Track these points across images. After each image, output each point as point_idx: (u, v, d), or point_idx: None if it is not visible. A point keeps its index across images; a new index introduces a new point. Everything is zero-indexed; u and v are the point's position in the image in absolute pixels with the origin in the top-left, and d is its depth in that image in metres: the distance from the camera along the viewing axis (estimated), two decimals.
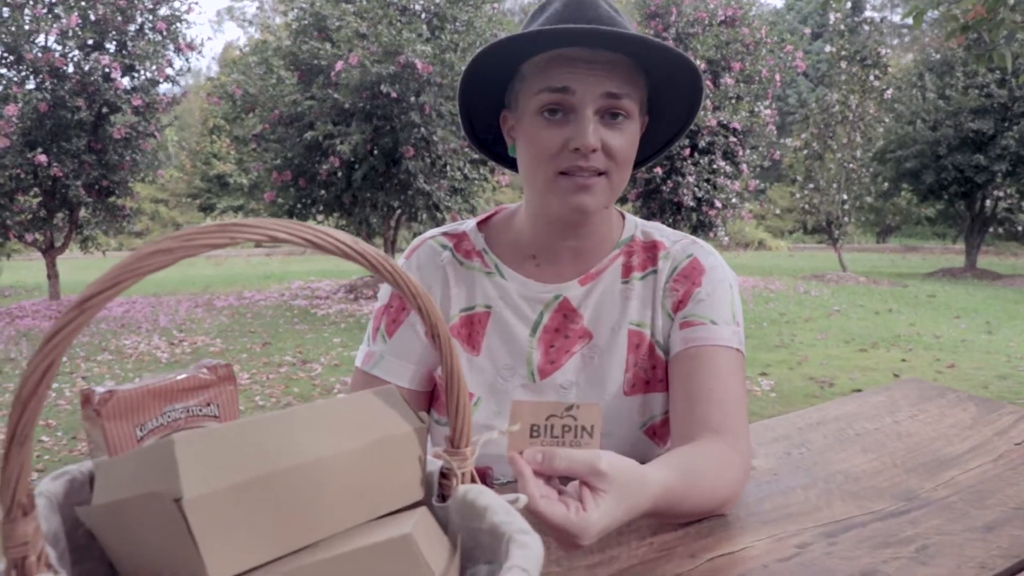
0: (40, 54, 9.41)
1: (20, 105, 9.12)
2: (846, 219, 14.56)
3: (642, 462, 1.08)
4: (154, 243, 0.53)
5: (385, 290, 1.26)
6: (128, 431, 0.66)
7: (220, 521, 0.54)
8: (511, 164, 1.24)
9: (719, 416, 1.08)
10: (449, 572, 0.58)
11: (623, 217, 1.28)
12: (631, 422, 1.20)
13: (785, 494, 1.11)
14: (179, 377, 0.68)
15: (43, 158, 9.25)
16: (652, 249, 1.23)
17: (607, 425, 1.18)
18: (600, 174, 1.09)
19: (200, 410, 0.70)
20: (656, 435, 1.22)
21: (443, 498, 0.69)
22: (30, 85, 9.61)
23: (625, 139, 1.09)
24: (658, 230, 1.26)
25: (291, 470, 0.57)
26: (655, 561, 0.92)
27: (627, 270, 1.22)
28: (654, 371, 1.20)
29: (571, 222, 1.15)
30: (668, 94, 1.15)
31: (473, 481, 0.69)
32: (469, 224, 1.28)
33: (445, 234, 1.26)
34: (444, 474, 0.70)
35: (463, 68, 1.17)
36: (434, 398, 1.28)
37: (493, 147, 1.28)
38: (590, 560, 0.91)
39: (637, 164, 1.28)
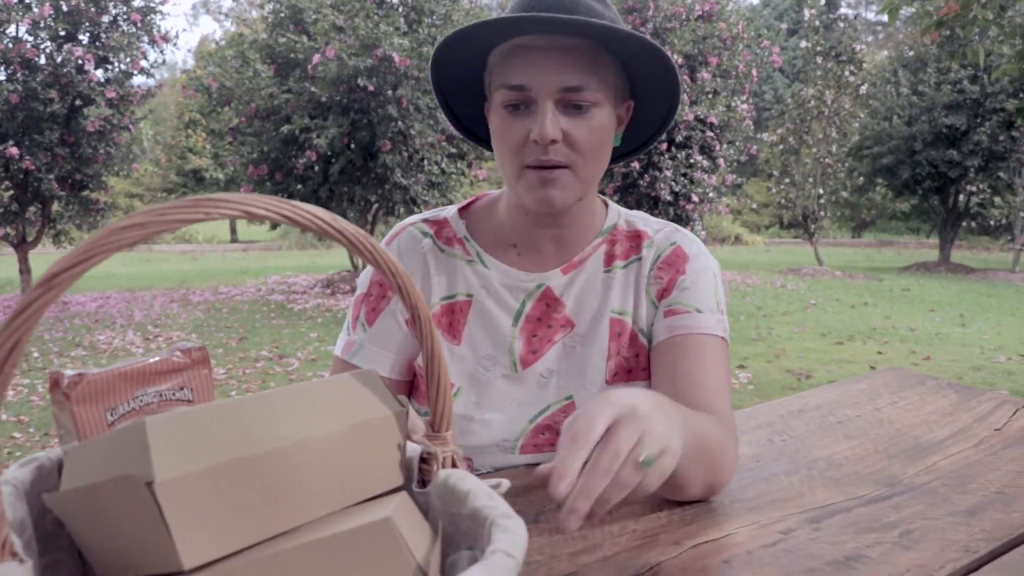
0: (11, 45, 9.25)
1: None
2: (822, 214, 14.66)
3: None
4: (127, 217, 0.51)
5: (364, 278, 1.24)
6: (99, 416, 0.64)
7: (194, 506, 0.52)
8: None
9: (706, 400, 1.08)
10: (430, 557, 0.57)
11: (606, 206, 1.26)
12: None
13: (768, 480, 1.11)
14: (152, 360, 0.66)
15: (15, 151, 9.10)
16: (635, 238, 1.22)
17: None
18: (564, 167, 1.07)
19: (173, 394, 0.68)
20: None
21: (423, 483, 0.68)
22: (0, 76, 9.46)
23: (590, 129, 1.06)
24: (641, 219, 1.25)
25: (268, 453, 0.55)
26: (638, 548, 0.91)
27: (609, 259, 1.21)
28: (637, 359, 1.19)
29: (543, 214, 1.14)
30: (645, 78, 1.13)
31: (454, 466, 0.68)
32: (450, 210, 1.26)
33: (426, 220, 1.25)
34: (424, 459, 0.68)
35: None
36: (414, 388, 1.26)
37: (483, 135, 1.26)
38: (572, 548, 0.90)
39: (632, 152, 1.27)
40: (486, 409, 1.18)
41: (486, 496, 0.61)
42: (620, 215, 1.25)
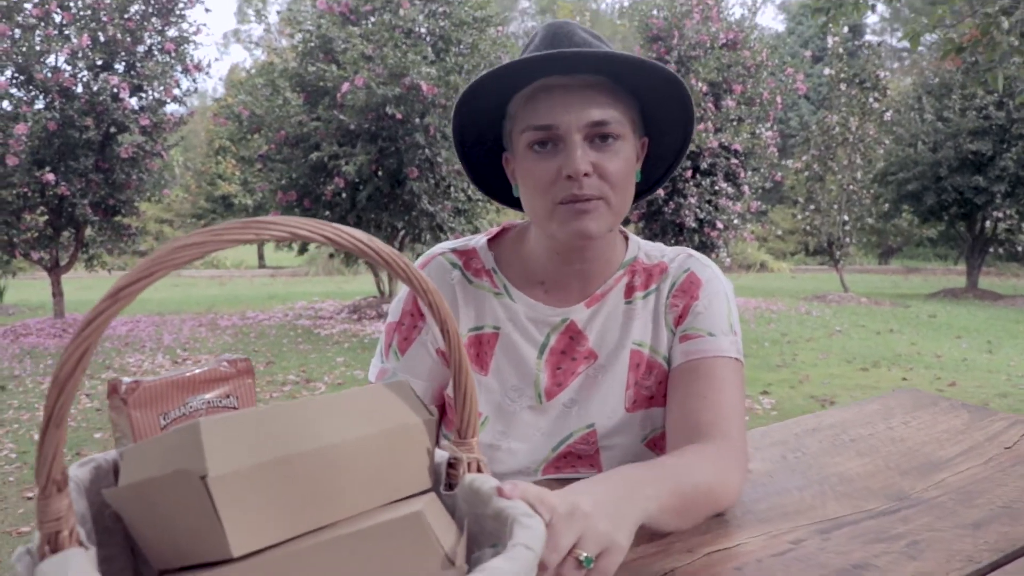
0: (50, 74, 9.50)
1: (30, 124, 9.21)
2: (847, 240, 14.59)
3: None
4: (185, 237, 0.57)
5: (396, 307, 1.29)
6: (153, 420, 0.70)
7: (242, 499, 0.57)
8: (517, 204, 1.26)
9: (714, 421, 1.12)
10: (457, 551, 0.61)
11: (626, 239, 1.31)
12: (633, 436, 1.23)
13: (780, 495, 1.15)
14: (200, 370, 0.72)
15: (51, 176, 9.32)
16: (654, 269, 1.27)
17: (610, 439, 1.22)
18: (597, 198, 1.11)
19: (220, 402, 0.74)
20: (657, 447, 1.26)
21: (451, 486, 0.73)
22: (39, 105, 9.69)
23: (618, 161, 1.10)
24: (659, 250, 1.30)
25: (309, 453, 0.61)
26: (653, 556, 0.95)
27: (630, 290, 1.26)
28: (658, 387, 1.24)
29: (576, 247, 1.18)
30: (660, 110, 1.18)
31: (479, 470, 0.73)
32: (479, 240, 1.30)
33: (455, 251, 1.29)
34: (451, 464, 0.73)
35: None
36: (442, 416, 1.31)
37: (499, 191, 1.30)
38: None
39: (651, 187, 1.31)
40: (512, 439, 1.23)
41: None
42: (640, 247, 1.30)
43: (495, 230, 1.32)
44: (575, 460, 1.23)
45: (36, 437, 4.94)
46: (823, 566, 0.92)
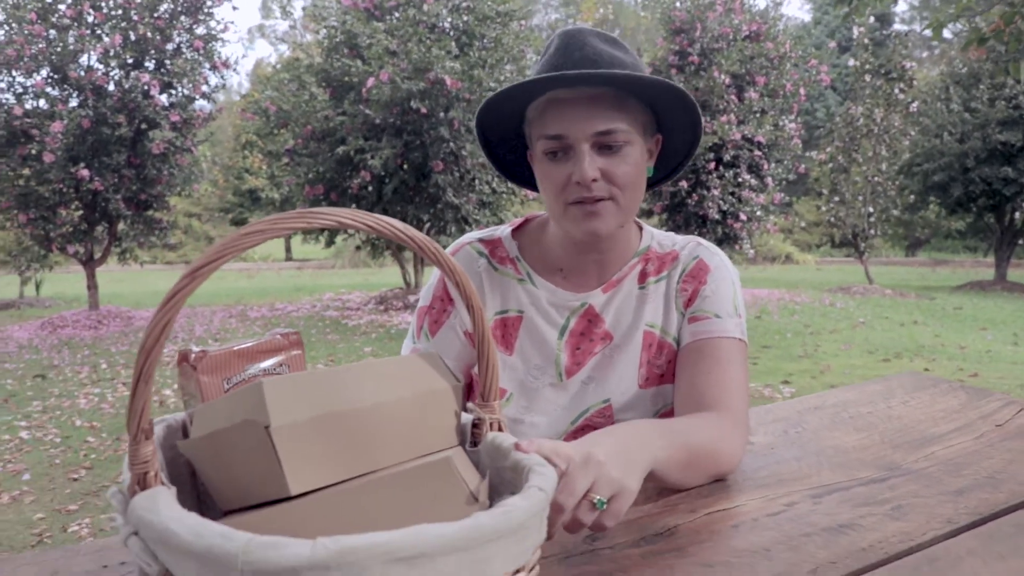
0: (84, 73, 9.73)
1: (65, 122, 9.43)
2: (872, 232, 14.54)
3: None
4: (248, 226, 0.68)
5: (427, 292, 1.40)
6: (217, 383, 0.81)
7: (298, 446, 0.68)
8: None
9: (719, 395, 1.22)
10: (480, 492, 0.72)
11: (640, 229, 1.41)
12: (646, 410, 1.34)
13: (779, 464, 1.24)
14: (257, 341, 0.83)
15: (85, 172, 9.54)
16: (666, 256, 1.37)
17: (625, 414, 1.33)
18: (606, 200, 1.21)
19: (274, 369, 0.85)
20: None
21: (475, 444, 0.84)
22: (74, 103, 9.93)
23: (626, 165, 1.20)
24: (670, 239, 1.40)
25: (355, 410, 0.72)
26: (659, 515, 1.05)
27: (643, 276, 1.36)
28: (668, 365, 1.34)
29: (587, 243, 1.29)
30: (669, 111, 1.27)
31: (500, 429, 0.83)
32: (504, 231, 1.41)
33: (481, 240, 1.40)
34: (476, 424, 0.84)
35: (491, 87, 1.32)
36: (469, 393, 1.42)
37: (528, 179, 1.41)
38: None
39: (667, 176, 1.42)
40: (534, 413, 1.34)
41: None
42: (653, 237, 1.41)
43: (518, 221, 1.43)
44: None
45: (77, 423, 5.12)
46: (812, 525, 1.02)
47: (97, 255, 10.93)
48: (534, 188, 1.37)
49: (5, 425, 5.12)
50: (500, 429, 0.83)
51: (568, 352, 1.34)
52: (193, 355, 0.80)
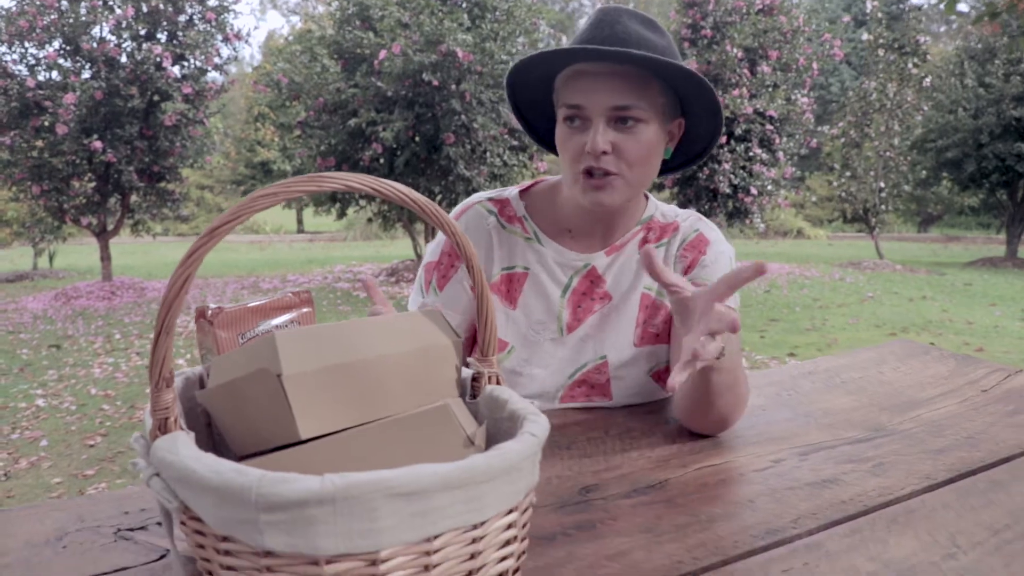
0: (96, 44, 9.76)
1: (77, 94, 9.48)
2: (883, 207, 14.49)
3: (649, 403, 1.31)
4: (263, 189, 0.73)
5: (434, 248, 1.46)
6: (233, 338, 0.86)
7: (308, 394, 0.74)
8: None
9: None
10: (477, 437, 0.77)
11: (646, 198, 1.48)
12: (640, 368, 1.40)
13: (769, 424, 1.30)
14: (272, 299, 0.89)
15: (98, 144, 9.60)
16: (668, 226, 1.44)
17: (620, 370, 1.38)
18: (614, 174, 1.26)
19: (286, 325, 0.90)
20: (660, 379, 1.42)
21: (474, 396, 0.89)
22: (86, 74, 9.98)
23: (638, 143, 1.25)
24: (672, 211, 1.47)
25: (362, 362, 0.77)
26: (651, 469, 1.10)
27: (644, 243, 1.43)
28: (663, 326, 1.41)
29: (596, 212, 1.35)
30: (691, 96, 1.31)
31: (497, 383, 0.88)
32: (512, 191, 1.48)
33: (491, 199, 1.46)
34: (475, 378, 0.89)
35: (503, 59, 1.39)
36: (474, 345, 1.48)
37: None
38: (596, 467, 1.11)
39: (690, 160, 1.46)
40: (534, 366, 1.40)
41: (520, 402, 0.82)
42: (657, 207, 1.47)
43: (526, 183, 1.50)
44: (588, 389, 1.39)
45: (92, 392, 5.21)
46: (797, 480, 1.07)
47: (110, 227, 11.02)
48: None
49: (22, 393, 5.22)
50: (498, 383, 0.89)
51: (570, 309, 1.40)
52: (210, 311, 0.85)
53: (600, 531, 0.91)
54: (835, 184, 14.83)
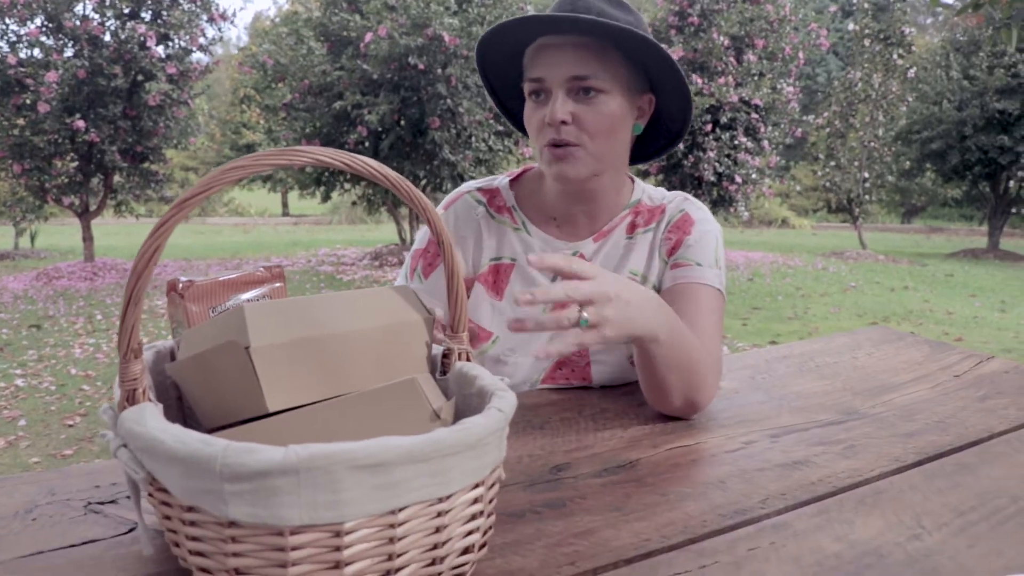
0: (79, 23, 9.65)
1: (60, 72, 9.38)
2: (867, 198, 14.56)
3: (625, 384, 1.31)
4: (233, 161, 0.72)
5: (423, 235, 1.46)
6: (203, 312, 0.86)
7: (277, 367, 0.74)
8: None
9: (697, 336, 1.27)
10: (443, 411, 0.77)
11: (633, 182, 1.47)
12: (620, 353, 1.40)
13: (742, 407, 1.30)
14: (242, 273, 0.88)
15: (81, 124, 9.51)
16: (656, 210, 1.43)
17: (601, 355, 1.39)
18: (575, 145, 1.26)
19: (258, 300, 0.90)
20: None
21: (444, 373, 0.89)
22: (69, 53, 9.87)
23: (598, 114, 1.25)
24: (660, 193, 1.47)
25: (331, 336, 0.77)
26: (623, 449, 1.11)
27: (632, 228, 1.42)
28: None
29: (567, 189, 1.35)
30: (659, 71, 1.31)
31: (467, 359, 0.89)
32: (502, 180, 1.48)
33: (480, 189, 1.46)
34: (446, 354, 0.89)
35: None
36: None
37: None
38: (568, 447, 1.11)
39: (671, 141, 1.45)
40: (519, 354, 1.40)
41: (489, 378, 0.82)
42: (645, 191, 1.47)
43: (516, 171, 1.50)
44: (568, 372, 1.39)
45: (72, 372, 5.19)
46: (767, 461, 1.08)
47: (92, 207, 10.94)
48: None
49: (1, 373, 5.19)
50: (468, 359, 0.89)
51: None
52: (181, 284, 0.85)
53: (569, 509, 0.92)
54: (819, 174, 14.89)
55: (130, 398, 0.73)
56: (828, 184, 14.70)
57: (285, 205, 32.83)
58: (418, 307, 0.87)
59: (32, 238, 14.82)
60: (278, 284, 0.91)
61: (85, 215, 10.78)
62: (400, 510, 0.65)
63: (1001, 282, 11.12)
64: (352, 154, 0.76)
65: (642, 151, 1.46)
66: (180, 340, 0.84)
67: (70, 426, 4.06)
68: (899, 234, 24.62)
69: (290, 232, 20.77)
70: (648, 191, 1.46)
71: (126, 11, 10.10)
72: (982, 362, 1.59)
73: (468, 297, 1.43)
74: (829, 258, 13.86)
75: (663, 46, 1.26)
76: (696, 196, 11.44)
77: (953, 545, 0.85)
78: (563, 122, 1.24)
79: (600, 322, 0.99)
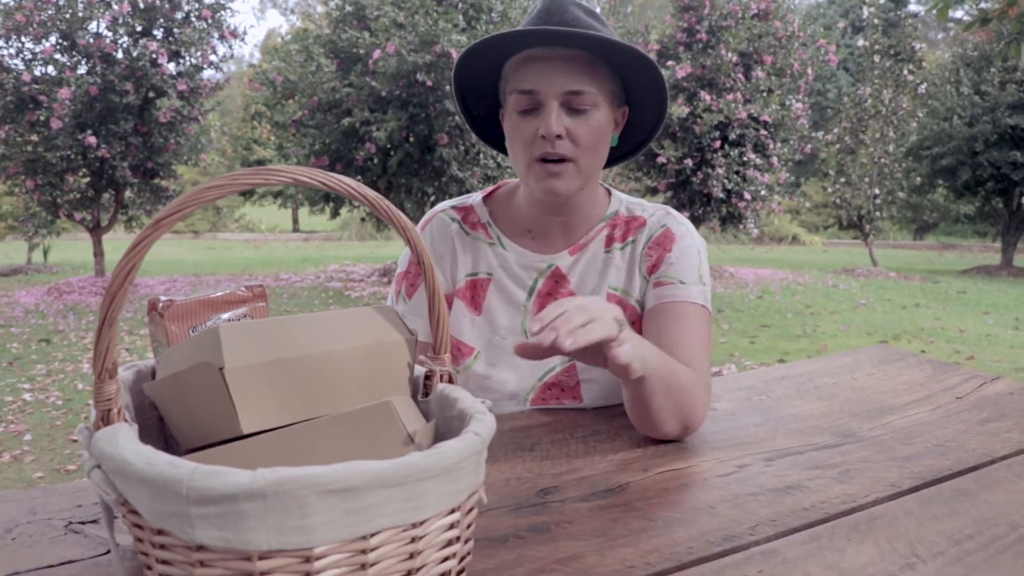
0: (92, 40, 9.74)
1: (73, 89, 9.46)
2: (878, 214, 14.50)
3: (619, 405, 1.29)
4: (208, 181, 0.71)
5: (404, 258, 1.46)
6: (184, 331, 0.85)
7: (252, 389, 0.73)
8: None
9: (684, 358, 1.26)
10: (420, 434, 0.75)
11: (609, 194, 1.45)
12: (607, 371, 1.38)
13: (737, 429, 1.29)
14: (223, 292, 0.87)
15: (92, 140, 9.58)
16: (633, 222, 1.42)
17: (589, 372, 1.37)
18: (568, 160, 1.26)
19: (239, 320, 0.89)
20: None
21: (426, 394, 0.88)
22: (82, 70, 9.96)
23: (590, 128, 1.25)
24: (640, 205, 1.45)
25: (307, 357, 0.76)
26: (613, 473, 1.09)
27: (609, 241, 1.41)
28: (631, 327, 1.38)
29: (550, 203, 1.34)
30: (638, 84, 1.31)
31: (450, 381, 0.87)
32: (476, 198, 1.47)
33: (454, 207, 1.46)
34: (427, 376, 0.88)
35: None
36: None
37: (498, 141, 1.46)
38: (557, 470, 1.10)
39: (632, 151, 1.46)
40: (502, 370, 1.38)
41: (470, 401, 0.81)
42: (622, 202, 1.45)
43: (490, 188, 1.48)
44: (559, 392, 1.38)
45: (80, 387, 5.20)
46: (760, 486, 1.06)
47: (104, 222, 11.00)
48: (502, 148, 1.41)
49: (9, 387, 5.20)
50: (451, 381, 0.87)
51: (535, 311, 1.39)
52: (161, 304, 0.84)
53: (554, 534, 0.90)
54: (830, 190, 14.84)
55: (105, 418, 0.72)
56: (838, 201, 14.64)
57: (296, 221, 32.96)
58: (399, 327, 0.86)
59: (45, 253, 14.91)
60: (260, 304, 0.90)
61: (96, 230, 10.84)
62: (372, 535, 0.63)
63: (1015, 299, 11.03)
64: (330, 173, 0.75)
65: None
66: (159, 360, 0.83)
67: (75, 441, 4.06)
68: (911, 251, 24.50)
69: (300, 248, 20.83)
70: (625, 202, 1.45)
71: (139, 29, 10.19)
72: (986, 383, 1.56)
73: (449, 312, 1.42)
74: (839, 275, 13.79)
75: (652, 58, 1.26)
76: (705, 213, 11.43)
77: (948, 575, 0.83)
78: (558, 136, 1.23)
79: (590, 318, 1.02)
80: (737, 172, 11.15)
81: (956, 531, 0.93)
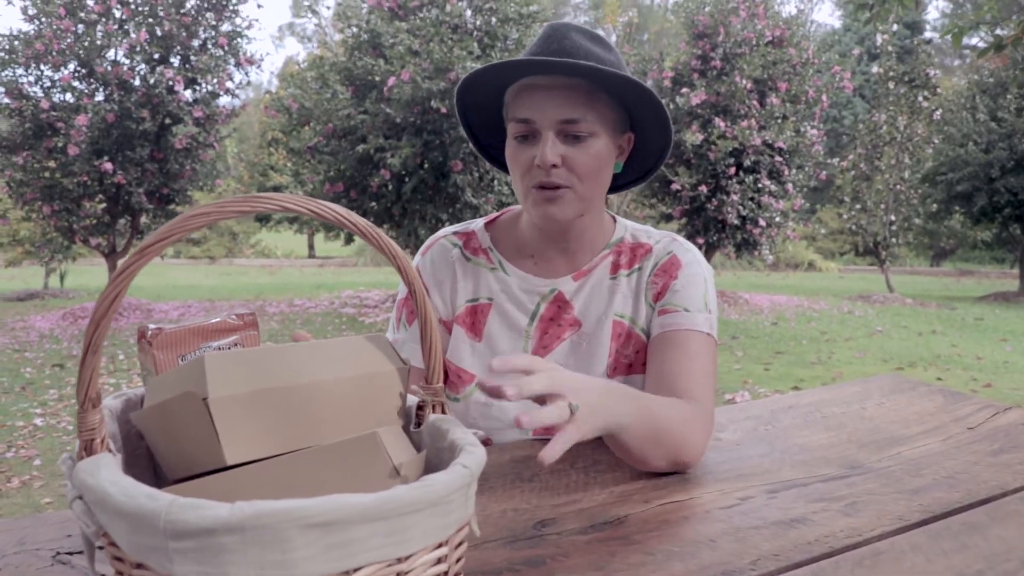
0: (110, 68, 9.87)
1: (90, 115, 9.57)
2: (894, 241, 14.42)
3: None
4: (196, 208, 0.71)
5: (403, 285, 1.45)
6: (172, 360, 0.84)
7: (236, 419, 0.71)
8: None
9: (688, 386, 1.24)
10: (406, 467, 0.73)
11: (615, 221, 1.44)
12: None
13: (742, 460, 1.26)
14: (213, 320, 0.86)
15: (109, 166, 9.68)
16: (639, 249, 1.40)
17: None
18: (565, 187, 1.25)
19: (229, 348, 0.88)
20: None
21: (418, 425, 0.86)
22: (99, 97, 10.08)
23: (588, 156, 1.24)
24: (645, 232, 1.43)
25: (294, 387, 0.75)
26: (613, 504, 1.07)
27: (615, 267, 1.39)
28: (636, 356, 1.37)
29: (549, 229, 1.33)
30: (641, 110, 1.30)
31: (442, 411, 0.86)
32: (478, 223, 1.46)
33: (456, 233, 1.45)
34: (420, 406, 0.87)
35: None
36: (446, 380, 1.45)
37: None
38: (555, 501, 1.08)
39: (641, 177, 1.45)
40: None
41: (461, 432, 0.79)
42: (627, 229, 1.44)
43: (493, 215, 1.48)
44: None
45: None
46: (763, 519, 1.03)
47: (120, 248, 11.08)
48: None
49: (21, 412, 5.22)
50: (443, 411, 0.86)
51: (536, 337, 1.37)
52: (150, 332, 0.83)
53: (549, 567, 0.88)
54: (845, 217, 14.78)
55: (88, 448, 0.71)
56: (854, 227, 14.58)
57: (311, 247, 33.10)
58: (391, 356, 0.85)
59: (61, 278, 15.02)
60: (251, 332, 0.89)
61: (112, 256, 10.92)
62: (355, 570, 0.62)
63: None
64: (320, 201, 0.74)
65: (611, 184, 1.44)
66: (147, 385, 0.82)
67: None
68: (928, 277, 24.33)
69: (316, 274, 20.90)
70: (631, 229, 1.44)
71: (155, 56, 10.31)
72: (998, 413, 1.53)
73: (449, 339, 1.41)
74: (855, 302, 13.70)
75: (647, 85, 1.25)
76: (720, 239, 11.39)
77: None
78: (554, 165, 1.22)
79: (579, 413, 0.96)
80: (752, 199, 11.13)
81: (965, 567, 0.91)
